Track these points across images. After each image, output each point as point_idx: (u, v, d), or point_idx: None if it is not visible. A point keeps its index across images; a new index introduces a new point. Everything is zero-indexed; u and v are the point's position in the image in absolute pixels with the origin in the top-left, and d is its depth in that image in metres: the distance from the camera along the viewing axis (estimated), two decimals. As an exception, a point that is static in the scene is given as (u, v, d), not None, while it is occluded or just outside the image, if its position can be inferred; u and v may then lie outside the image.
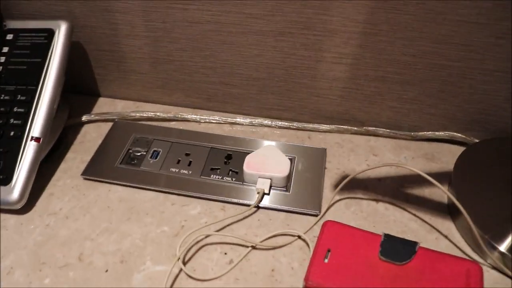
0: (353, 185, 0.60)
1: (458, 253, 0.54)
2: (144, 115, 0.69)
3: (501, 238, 0.53)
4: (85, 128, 0.70)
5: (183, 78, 0.69)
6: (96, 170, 0.62)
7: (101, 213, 0.57)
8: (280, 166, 0.59)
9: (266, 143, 0.65)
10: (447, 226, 0.57)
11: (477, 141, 0.65)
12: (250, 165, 0.59)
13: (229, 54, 0.65)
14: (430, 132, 0.67)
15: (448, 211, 0.59)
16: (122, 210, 0.58)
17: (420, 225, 0.57)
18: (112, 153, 0.64)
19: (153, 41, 0.66)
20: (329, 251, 0.52)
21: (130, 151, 0.64)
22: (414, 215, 0.58)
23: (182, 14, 0.61)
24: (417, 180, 0.62)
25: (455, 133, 0.66)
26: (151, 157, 0.63)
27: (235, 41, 0.63)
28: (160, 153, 0.64)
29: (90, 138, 0.68)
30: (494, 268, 0.53)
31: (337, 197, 0.59)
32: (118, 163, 0.62)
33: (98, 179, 0.61)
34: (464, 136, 0.66)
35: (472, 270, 0.50)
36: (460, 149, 0.66)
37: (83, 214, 0.57)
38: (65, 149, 0.66)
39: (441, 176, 0.63)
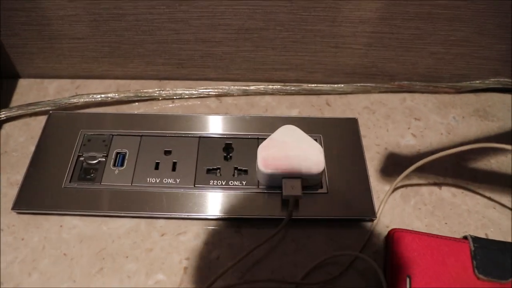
0: (403, 166, 0.43)
1: None
2: (91, 99, 0.46)
3: None
4: (5, 129, 0.45)
5: (141, 39, 0.46)
6: (34, 197, 0.39)
7: (56, 267, 0.36)
8: (310, 157, 0.39)
9: (275, 120, 0.45)
10: None
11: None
12: (268, 161, 0.39)
13: (208, -3, 0.43)
14: (479, 81, 0.50)
15: (528, 186, 0.44)
16: (87, 257, 0.37)
17: (501, 212, 0.41)
18: (54, 166, 0.41)
19: (89, -14, 0.42)
20: (409, 277, 0.35)
21: (81, 158, 0.42)
22: (490, 198, 0.42)
23: None
24: (479, 148, 0.45)
25: (509, 80, 0.50)
26: (114, 165, 0.41)
27: (215, -23, 0.41)
28: (127, 155, 0.42)
29: (15, 145, 0.44)
30: None
31: (387, 187, 0.42)
32: (66, 181, 0.40)
33: (40, 211, 0.39)
34: (520, 82, 0.50)
35: None
36: (515, 99, 0.50)
37: (27, 273, 0.35)
38: (-23, 167, 0.42)
39: (505, 138, 0.47)
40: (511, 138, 0.47)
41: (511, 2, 0.43)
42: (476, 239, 0.38)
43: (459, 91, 0.50)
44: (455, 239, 0.38)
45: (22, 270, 0.36)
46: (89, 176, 0.41)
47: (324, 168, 0.40)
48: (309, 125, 0.45)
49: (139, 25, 0.45)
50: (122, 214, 0.39)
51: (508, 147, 0.38)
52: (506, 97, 0.51)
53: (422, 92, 0.50)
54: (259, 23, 0.44)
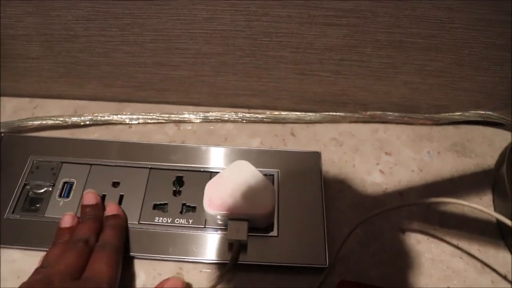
0: (366, 207, 0.40)
1: None
2: (48, 122, 0.44)
3: None
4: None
5: (96, 61, 0.44)
6: (-27, 228, 0.38)
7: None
8: (260, 197, 0.36)
9: (232, 152, 0.43)
10: (503, 258, 0.39)
11: (522, 120, 0.45)
12: (213, 201, 0.36)
13: (163, 20, 0.40)
14: (458, 113, 0.46)
15: (500, 233, 0.40)
16: (21, 295, 0.35)
17: (467, 263, 0.38)
18: (-2, 195, 0.40)
19: (38, 7, 0.39)
20: None
21: (28, 187, 0.40)
22: (457, 247, 0.39)
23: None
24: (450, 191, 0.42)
25: (490, 112, 0.46)
26: (60, 195, 0.40)
27: (170, 0, 0.38)
28: (74, 186, 0.40)
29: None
30: None
31: (346, 230, 0.39)
32: (9, 212, 0.39)
33: (-22, 244, 0.37)
34: (502, 116, 0.46)
35: None
36: (496, 133, 0.47)
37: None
38: None
39: (481, 178, 0.44)
40: (491, 177, 0.43)
41: (495, 33, 0.39)
42: (433, 296, 0.35)
43: (437, 123, 0.47)
44: (411, 294, 0.36)
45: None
46: (33, 207, 0.39)
47: (274, 210, 0.37)
48: (268, 158, 0.42)
49: (93, 47, 0.43)
50: (62, 250, 0.37)
51: (461, 202, 0.35)
52: (487, 130, 0.47)
53: (397, 123, 0.47)
54: (217, 48, 0.42)
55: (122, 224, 0.37)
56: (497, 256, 0.39)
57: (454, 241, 0.40)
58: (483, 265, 0.39)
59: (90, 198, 0.38)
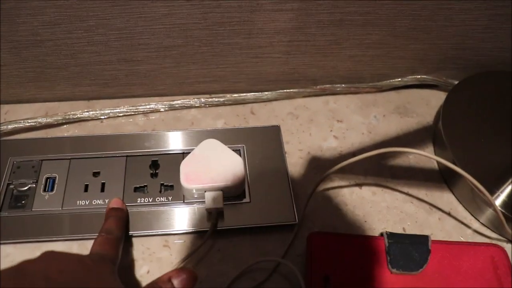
0: (325, 168, 0.45)
1: (469, 233, 0.44)
2: (20, 125, 0.47)
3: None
4: None
5: (64, 63, 0.47)
6: (-36, 228, 0.41)
7: (-12, 296, 0.38)
8: (230, 169, 0.42)
9: (200, 134, 0.47)
10: (447, 198, 0.46)
11: (452, 81, 0.53)
12: (189, 177, 0.41)
13: (125, 19, 0.44)
14: (397, 79, 0.53)
15: (442, 178, 0.47)
16: (19, 284, 0.38)
17: (418, 206, 0.45)
18: (-17, 196, 0.43)
19: (4, 16, 0.42)
20: (327, 277, 0.38)
21: (12, 186, 0.43)
22: (407, 194, 0.45)
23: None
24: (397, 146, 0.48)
25: (425, 76, 0.53)
26: (45, 190, 0.43)
27: (129, 0, 0.42)
28: (57, 180, 0.44)
29: None
30: (510, 241, 0.42)
31: (310, 190, 0.44)
32: (-4, 210, 0.42)
33: (-29, 241, 0.41)
34: (435, 78, 0.54)
35: (496, 255, 0.41)
36: (432, 94, 0.54)
37: (-40, 304, 0.37)
38: None
39: (422, 133, 0.51)
40: (431, 132, 0.50)
41: (420, 6, 0.46)
42: (390, 235, 0.41)
43: (380, 90, 0.53)
44: (371, 237, 0.42)
45: (-45, 302, 0.37)
46: (20, 204, 0.43)
47: (245, 179, 0.43)
48: (233, 136, 0.47)
49: (60, 50, 0.46)
50: (55, 239, 0.41)
51: (407, 150, 0.41)
52: (424, 92, 0.54)
53: (345, 94, 0.53)
54: (177, 40, 0.46)
55: (123, 217, 0.41)
56: (441, 197, 0.46)
57: (405, 189, 0.46)
58: (431, 206, 0.45)
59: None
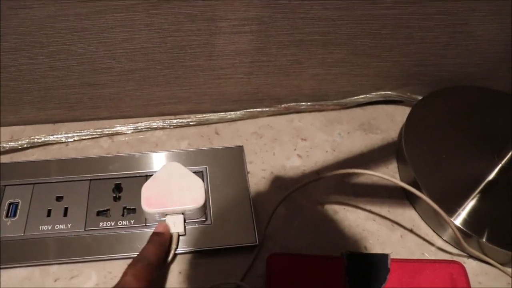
0: (288, 188, 0.47)
1: (430, 249, 0.45)
2: (-17, 150, 0.49)
3: (473, 219, 0.44)
4: None
5: (27, 88, 0.49)
6: None
7: (-50, 325, 0.39)
8: (191, 192, 0.43)
9: (164, 156, 0.49)
10: (409, 215, 0.48)
11: (416, 97, 0.55)
12: (150, 201, 0.43)
13: (85, 44, 0.45)
14: (362, 96, 0.55)
15: (405, 195, 0.49)
16: (-18, 310, 0.40)
17: (380, 224, 0.47)
18: None
19: (-35, 44, 0.44)
20: (283, 300, 0.39)
21: (-27, 212, 0.45)
22: (370, 211, 0.47)
23: (-1, -2, 0.41)
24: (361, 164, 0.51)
25: (390, 92, 0.55)
26: (7, 216, 0.45)
27: (89, 26, 0.44)
28: (19, 205, 0.45)
29: None
30: (470, 256, 0.44)
31: (271, 210, 0.46)
32: (-42, 237, 0.43)
33: None
34: (399, 94, 0.56)
35: (455, 272, 0.43)
36: (396, 109, 0.56)
37: None
38: None
39: (386, 149, 0.53)
40: (394, 149, 0.52)
41: (379, 25, 0.48)
42: (350, 255, 0.43)
43: (345, 106, 0.55)
44: (331, 257, 0.43)
45: None
46: (-18, 230, 0.44)
47: (205, 202, 0.44)
48: (196, 157, 0.49)
49: (23, 75, 0.48)
50: (16, 265, 0.42)
51: (368, 172, 0.43)
52: (389, 108, 0.56)
53: (310, 111, 0.55)
54: (138, 64, 0.48)
55: (163, 243, 0.42)
56: (404, 214, 0.48)
57: (368, 207, 0.48)
58: (393, 223, 0.47)
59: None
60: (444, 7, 0.46)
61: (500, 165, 0.48)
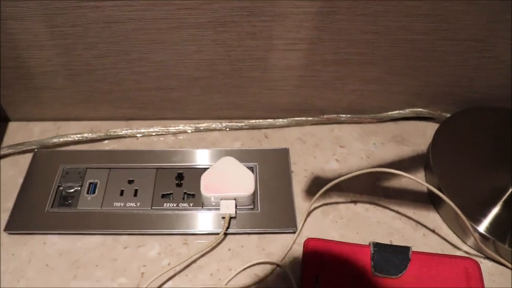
0: (325, 185, 0.55)
1: (450, 248, 0.52)
2: (70, 138, 0.60)
3: (492, 225, 0.51)
4: (-2, 165, 0.60)
5: (109, 89, 0.60)
6: (22, 220, 0.52)
7: (40, 275, 0.49)
8: (243, 182, 0.52)
9: (220, 152, 0.59)
10: (432, 217, 0.54)
11: (446, 115, 0.62)
12: (208, 187, 0.52)
13: (161, 54, 0.56)
14: (396, 112, 0.63)
15: (430, 200, 0.56)
16: (65, 267, 0.49)
17: (405, 223, 0.53)
18: (39, 195, 0.54)
19: (65, 49, 0.55)
20: (317, 277, 0.47)
21: (61, 188, 0.55)
22: (397, 212, 0.54)
23: (96, 14, 0.51)
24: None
25: (421, 109, 0.63)
26: (87, 193, 0.55)
27: (166, 39, 0.54)
28: (98, 185, 0.55)
29: (6, 177, 0.57)
30: (487, 257, 0.51)
31: (312, 206, 0.54)
32: (49, 207, 0.53)
33: (27, 231, 0.52)
34: (431, 111, 0.63)
35: (470, 268, 0.49)
36: (427, 125, 0.63)
37: (17, 280, 0.48)
38: (-24, 198, 0.56)
39: (415, 160, 0.60)
40: (423, 159, 0.59)
41: (412, 48, 0.56)
42: (376, 245, 0.50)
43: (380, 120, 0.63)
44: (360, 245, 0.51)
45: (13, 278, 0.49)
46: (67, 202, 0.54)
47: (254, 191, 0.53)
48: (248, 156, 0.58)
49: (107, 78, 0.58)
50: (93, 232, 0.52)
51: (397, 172, 0.50)
52: (421, 124, 0.64)
53: (349, 123, 0.64)
54: (204, 73, 0.58)
55: None
56: (427, 216, 0.55)
57: (395, 208, 0.55)
58: (417, 223, 0.54)
59: None
60: (473, 34, 0.54)
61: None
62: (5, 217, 0.53)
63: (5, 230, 0.52)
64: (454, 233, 0.53)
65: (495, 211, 0.52)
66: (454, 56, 0.57)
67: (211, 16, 0.52)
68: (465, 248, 0.52)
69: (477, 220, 0.51)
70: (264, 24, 0.53)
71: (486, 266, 0.50)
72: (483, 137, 0.59)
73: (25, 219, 0.52)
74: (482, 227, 0.50)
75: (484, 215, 0.52)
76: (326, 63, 0.57)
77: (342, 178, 0.52)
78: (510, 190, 0.54)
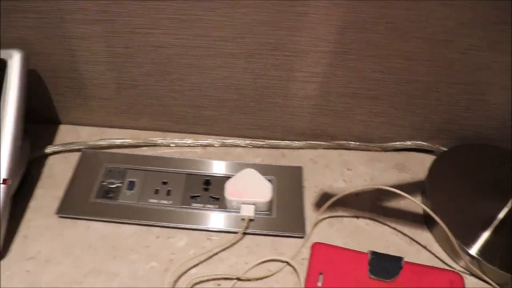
0: (332, 202, 0.64)
1: (439, 263, 0.60)
2: (113, 142, 0.70)
3: (479, 246, 0.59)
4: (50, 160, 0.69)
5: (149, 102, 0.71)
6: (71, 207, 0.62)
7: (84, 254, 0.58)
8: (262, 191, 0.62)
9: (242, 165, 0.69)
10: (425, 236, 0.63)
11: (443, 148, 0.72)
12: (232, 192, 0.62)
13: (197, 77, 0.67)
14: (399, 143, 0.73)
15: (424, 221, 0.65)
16: (105, 248, 0.59)
17: (401, 238, 0.62)
18: (85, 187, 0.65)
19: (116, 66, 0.66)
20: (321, 274, 0.56)
21: (104, 183, 0.65)
22: (394, 228, 0.63)
23: (146, 38, 0.63)
24: (392, 192, 0.65)
25: (422, 142, 0.73)
26: (127, 189, 0.65)
27: (203, 64, 0.65)
28: (136, 183, 0.65)
29: (57, 171, 0.68)
30: (472, 274, 0.59)
31: (319, 216, 0.64)
32: (93, 198, 0.63)
33: (75, 216, 0.61)
34: (430, 145, 0.73)
35: (455, 280, 0.57)
36: (427, 157, 0.73)
37: (64, 256, 0.58)
38: (32, 185, 0.65)
39: (414, 186, 0.69)
40: (421, 186, 0.69)
41: (413, 87, 0.66)
42: (373, 253, 0.58)
43: (385, 149, 0.73)
44: (359, 252, 0.59)
45: (62, 253, 0.58)
46: (109, 196, 0.64)
47: (271, 199, 0.62)
48: (267, 170, 0.68)
49: (148, 93, 0.69)
50: (130, 222, 0.61)
51: (396, 191, 0.60)
52: (420, 155, 0.74)
53: (356, 150, 0.74)
54: (233, 95, 0.69)
55: None
56: (421, 234, 0.63)
57: (393, 225, 0.64)
58: (411, 240, 0.62)
59: None
60: (464, 78, 0.64)
61: (507, 209, 0.63)
62: (55, 202, 0.62)
63: (57, 213, 0.61)
64: (444, 251, 0.61)
65: (483, 235, 0.60)
66: (449, 97, 0.67)
67: (243, 48, 0.63)
68: (454, 265, 0.60)
69: (465, 242, 0.59)
70: (287, 58, 0.64)
71: (471, 281, 0.58)
72: (476, 170, 0.69)
73: (74, 206, 0.62)
74: (470, 248, 0.58)
75: (472, 238, 0.60)
76: (338, 95, 0.68)
77: (346, 192, 0.61)
78: (498, 217, 0.63)
